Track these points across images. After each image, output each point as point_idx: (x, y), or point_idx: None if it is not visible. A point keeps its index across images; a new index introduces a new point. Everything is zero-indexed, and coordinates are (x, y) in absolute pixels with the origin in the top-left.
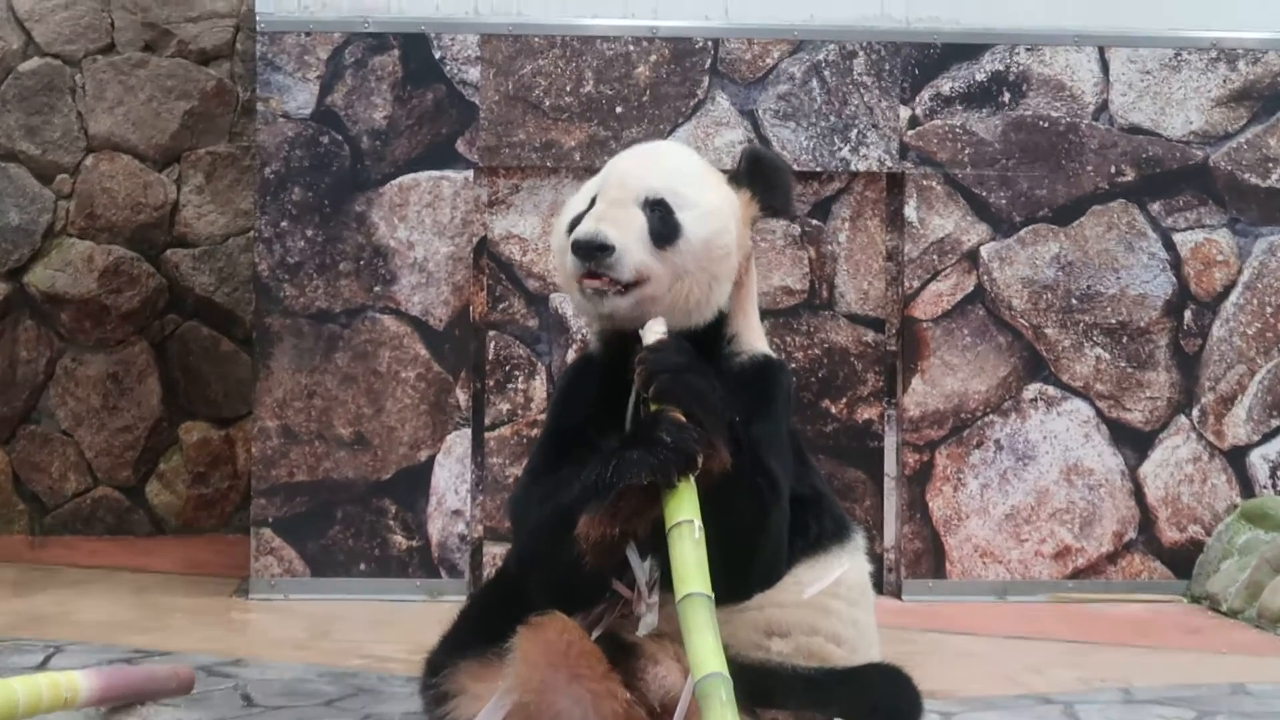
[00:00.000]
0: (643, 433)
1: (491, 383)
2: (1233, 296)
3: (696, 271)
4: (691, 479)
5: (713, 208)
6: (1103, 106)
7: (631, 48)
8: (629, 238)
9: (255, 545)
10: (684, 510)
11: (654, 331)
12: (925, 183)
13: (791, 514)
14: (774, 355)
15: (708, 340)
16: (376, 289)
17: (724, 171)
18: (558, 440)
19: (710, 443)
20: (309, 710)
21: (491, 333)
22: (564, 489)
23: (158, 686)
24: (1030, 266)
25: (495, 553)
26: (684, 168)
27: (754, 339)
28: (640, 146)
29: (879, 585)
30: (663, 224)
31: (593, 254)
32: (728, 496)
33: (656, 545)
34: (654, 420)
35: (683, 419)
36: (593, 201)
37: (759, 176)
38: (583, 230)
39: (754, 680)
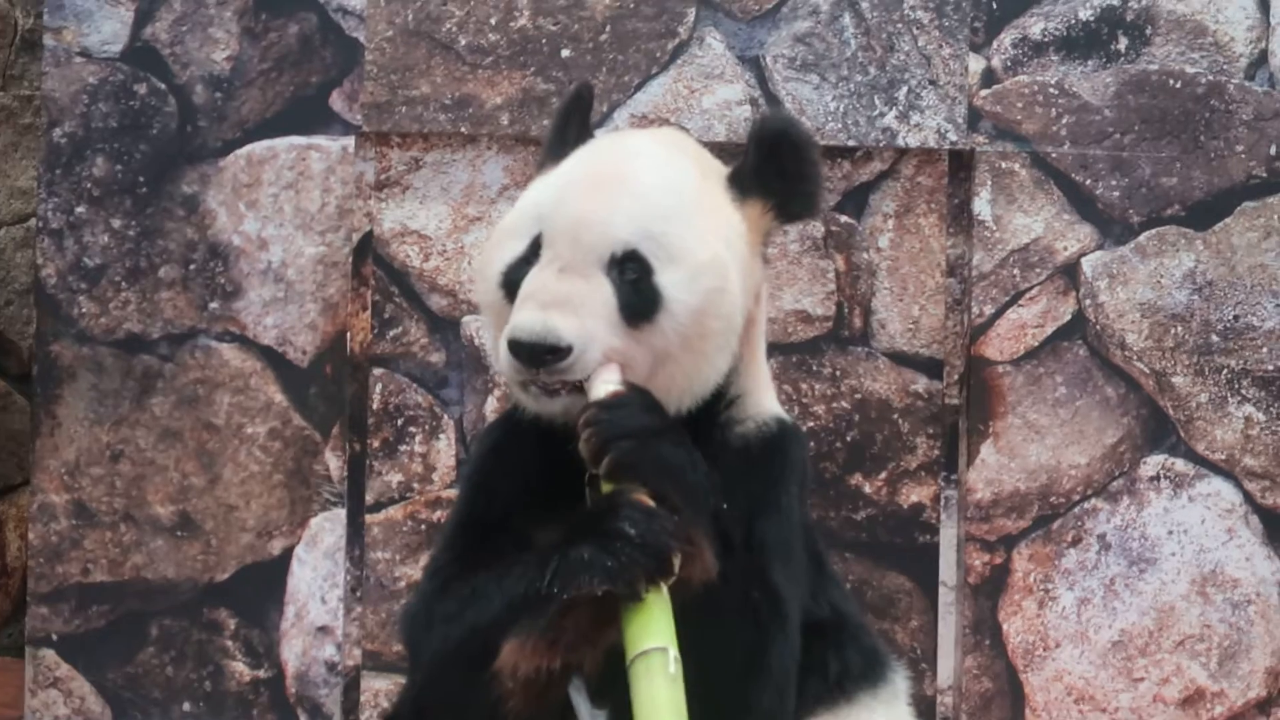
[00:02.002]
0: (594, 523)
1: (377, 443)
2: None
3: (683, 354)
4: (664, 590)
5: (708, 257)
6: (1260, 60)
7: None
8: (591, 324)
9: (32, 674)
10: (654, 634)
11: (606, 382)
12: (1004, 165)
13: (804, 645)
14: (787, 419)
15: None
16: (213, 306)
17: (717, 148)
18: (473, 531)
19: (689, 538)
20: None
21: (378, 371)
22: (481, 602)
23: None
24: (1153, 287)
25: (379, 689)
26: (666, 190)
27: (762, 398)
28: (596, 159)
29: None
30: (636, 293)
31: (541, 360)
32: (712, 619)
33: (612, 684)
34: (611, 505)
35: (650, 503)
36: (535, 246)
37: (778, 169)
38: (525, 326)
39: None
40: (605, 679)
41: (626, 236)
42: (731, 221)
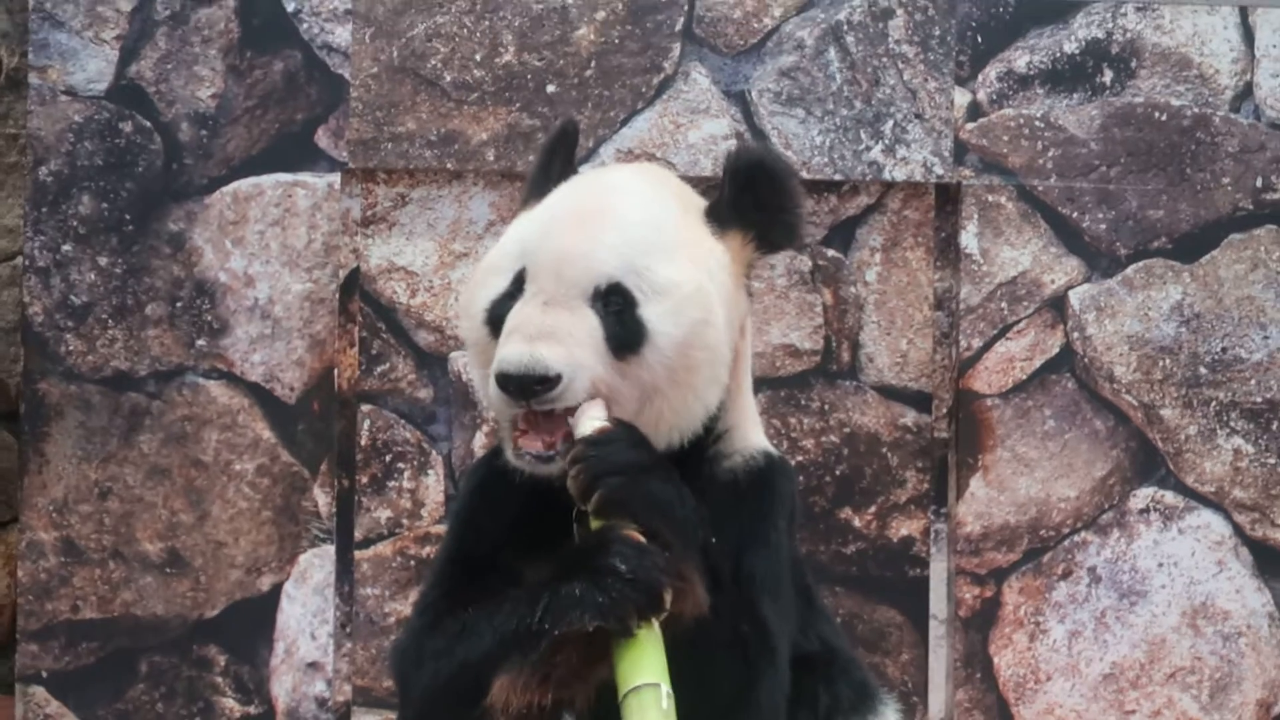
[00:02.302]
0: (585, 559)
1: (365, 479)
2: None
3: (669, 387)
4: (656, 625)
5: (691, 290)
6: (1245, 92)
7: (570, 1)
8: (579, 353)
9: (23, 711)
10: (646, 669)
11: (591, 419)
12: (990, 198)
13: (794, 679)
14: (775, 453)
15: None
16: (200, 343)
17: (703, 183)
18: (463, 567)
19: (680, 573)
20: None
21: (366, 407)
22: (472, 638)
23: None
24: (1141, 319)
25: None
26: (649, 224)
27: (749, 432)
28: (579, 194)
29: None
30: (621, 324)
31: (530, 391)
32: (702, 654)
33: (604, 718)
34: (601, 541)
35: (641, 539)
36: (519, 281)
37: (755, 199)
38: (512, 359)
39: None
40: (597, 713)
41: (610, 270)
42: (714, 254)
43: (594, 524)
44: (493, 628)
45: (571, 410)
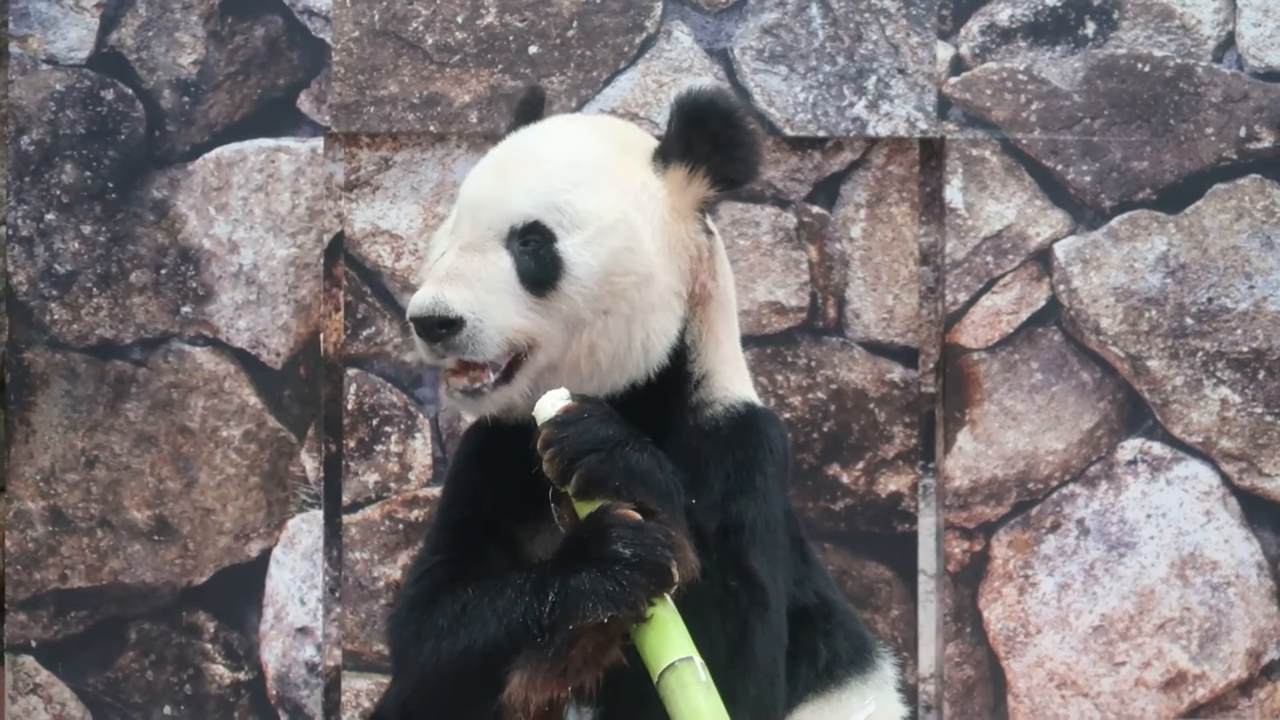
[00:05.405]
0: (588, 547)
1: (353, 444)
2: None
3: (597, 317)
4: (669, 599)
5: (610, 220)
6: (1228, 43)
7: None
8: (488, 298)
9: (12, 680)
10: (674, 646)
11: (554, 401)
12: (975, 152)
13: (792, 632)
14: (758, 404)
15: (661, 389)
16: (185, 310)
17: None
18: (459, 533)
19: (677, 543)
20: None
21: (352, 371)
22: (475, 623)
23: None
24: (1126, 271)
25: (360, 689)
26: (569, 163)
27: (731, 379)
28: (508, 144)
29: None
30: (537, 262)
31: (436, 333)
32: (693, 613)
33: (603, 694)
34: (600, 526)
35: (637, 516)
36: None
37: (706, 136)
38: (417, 301)
39: None
40: (604, 694)
41: (527, 209)
42: (649, 186)
43: (577, 505)
44: (497, 616)
45: (483, 364)
